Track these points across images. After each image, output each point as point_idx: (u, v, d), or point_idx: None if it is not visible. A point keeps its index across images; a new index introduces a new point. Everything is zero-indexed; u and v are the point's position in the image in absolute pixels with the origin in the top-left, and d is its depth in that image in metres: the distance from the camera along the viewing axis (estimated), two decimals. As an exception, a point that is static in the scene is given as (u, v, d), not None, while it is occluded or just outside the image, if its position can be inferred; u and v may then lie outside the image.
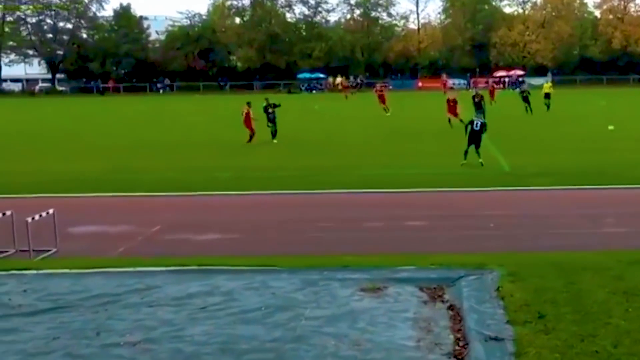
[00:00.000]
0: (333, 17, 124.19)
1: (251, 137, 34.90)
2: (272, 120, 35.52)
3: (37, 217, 14.62)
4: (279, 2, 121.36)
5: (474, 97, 42.22)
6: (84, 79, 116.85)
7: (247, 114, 35.28)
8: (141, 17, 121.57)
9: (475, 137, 26.42)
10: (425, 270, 11.58)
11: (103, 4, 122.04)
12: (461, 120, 35.84)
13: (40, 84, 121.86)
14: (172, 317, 9.66)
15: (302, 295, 10.47)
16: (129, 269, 12.11)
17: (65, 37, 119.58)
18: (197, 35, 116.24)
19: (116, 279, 11.54)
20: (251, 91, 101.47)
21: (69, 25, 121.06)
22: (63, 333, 9.16)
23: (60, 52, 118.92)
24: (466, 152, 26.47)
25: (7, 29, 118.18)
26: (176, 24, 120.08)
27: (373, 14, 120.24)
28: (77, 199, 21.09)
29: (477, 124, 26.63)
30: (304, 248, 14.58)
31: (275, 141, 34.84)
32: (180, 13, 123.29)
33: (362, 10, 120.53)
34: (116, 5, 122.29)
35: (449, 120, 38.81)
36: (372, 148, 32.46)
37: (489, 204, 19.71)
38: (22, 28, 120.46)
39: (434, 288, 10.73)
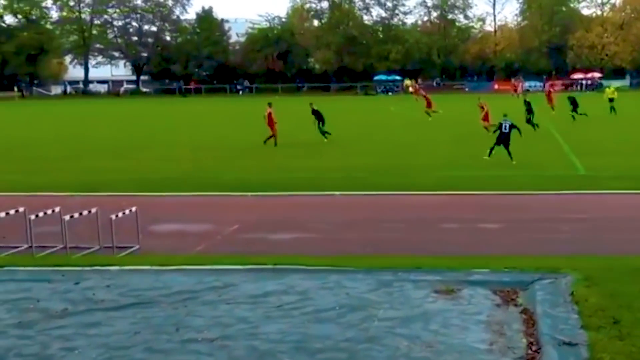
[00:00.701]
0: (410, 20, 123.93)
1: (270, 137, 34.73)
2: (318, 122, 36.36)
3: (120, 214, 14.87)
4: (357, 5, 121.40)
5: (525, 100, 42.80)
6: (167, 81, 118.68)
7: (269, 114, 35.08)
8: (222, 20, 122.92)
9: (504, 139, 27.17)
10: (499, 273, 11.43)
11: (186, 7, 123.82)
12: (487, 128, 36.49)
13: (125, 86, 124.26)
14: (248, 315, 9.72)
15: (376, 295, 10.43)
16: (207, 266, 12.24)
17: (149, 40, 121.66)
18: (277, 38, 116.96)
19: (195, 276, 11.67)
20: (328, 93, 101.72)
21: (154, 28, 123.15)
22: (144, 328, 9.30)
23: (145, 54, 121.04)
24: (492, 149, 27.38)
25: (94, 32, 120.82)
26: (256, 26, 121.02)
27: (450, 16, 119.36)
28: (159, 198, 21.43)
29: (505, 126, 27.34)
30: (378, 248, 14.54)
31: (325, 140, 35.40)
32: (261, 16, 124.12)
33: (439, 12, 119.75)
34: (199, 9, 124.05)
35: (486, 128, 37.89)
36: (444, 149, 32.22)
37: (563, 207, 19.37)
38: (109, 31, 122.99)
39: (508, 291, 10.57)
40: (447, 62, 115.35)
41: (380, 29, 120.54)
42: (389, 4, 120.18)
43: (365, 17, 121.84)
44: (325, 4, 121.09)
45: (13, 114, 58.89)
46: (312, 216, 18.48)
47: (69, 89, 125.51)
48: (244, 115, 49.20)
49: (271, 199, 21.11)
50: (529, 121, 40.05)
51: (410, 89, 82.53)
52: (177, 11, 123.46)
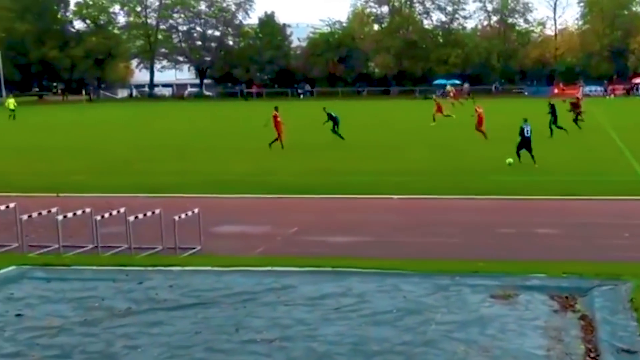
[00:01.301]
0: (470, 24, 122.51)
1: (275, 140, 35.06)
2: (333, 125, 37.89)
3: (183, 216, 15.01)
4: (417, 10, 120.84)
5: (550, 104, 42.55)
6: (229, 84, 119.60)
7: (275, 117, 35.51)
8: (284, 24, 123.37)
9: (526, 143, 27.70)
10: (557, 278, 11.28)
11: (249, 12, 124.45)
12: (483, 133, 37.09)
13: (189, 89, 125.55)
14: (307, 317, 9.75)
15: (433, 299, 10.39)
16: (267, 268, 12.31)
17: (213, 44, 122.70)
18: (337, 42, 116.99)
19: (255, 277, 11.75)
20: (387, 97, 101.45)
21: (217, 33, 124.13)
22: (204, 328, 9.39)
23: (208, 59, 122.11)
24: (519, 155, 27.81)
25: (160, 37, 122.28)
26: (317, 31, 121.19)
27: (510, 20, 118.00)
28: (220, 199, 21.60)
29: (527, 130, 27.86)
30: (435, 252, 14.46)
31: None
32: (322, 21, 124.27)
33: (499, 16, 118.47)
34: (261, 14, 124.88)
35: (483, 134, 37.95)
36: (500, 153, 31.90)
37: (624, 213, 19.04)
38: (173, 36, 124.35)
39: (566, 297, 10.43)
40: (506, 66, 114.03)
41: (440, 33, 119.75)
42: (449, 9, 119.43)
43: (425, 22, 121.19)
44: (385, 9, 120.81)
45: (81, 116, 59.85)
46: (370, 219, 18.45)
47: (134, 92, 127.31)
48: (303, 119, 49.29)
49: (330, 202, 21.13)
50: (553, 124, 39.84)
51: (451, 94, 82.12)
52: (239, 16, 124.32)
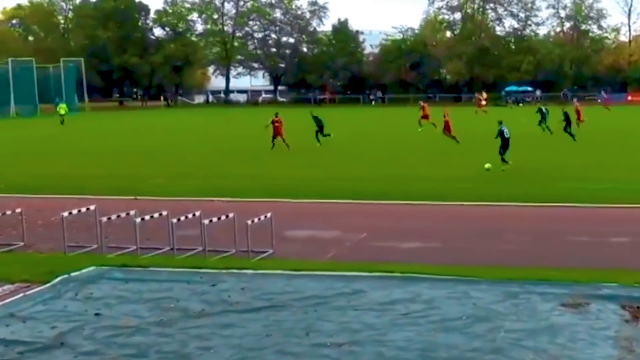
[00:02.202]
0: (542, 31, 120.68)
1: (274, 139, 37.32)
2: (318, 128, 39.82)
3: (256, 220, 15.12)
4: (490, 16, 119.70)
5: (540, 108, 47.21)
6: (303, 90, 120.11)
7: (274, 122, 37.91)
8: (357, 31, 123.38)
9: (506, 145, 28.69)
10: (629, 288, 11.04)
11: (323, 19, 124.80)
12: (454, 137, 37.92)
13: (264, 95, 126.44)
14: (376, 322, 9.73)
15: (503, 307, 10.27)
16: (337, 272, 12.33)
17: (287, 51, 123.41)
18: (409, 49, 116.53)
19: (325, 281, 11.77)
20: (459, 103, 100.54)
21: (291, 40, 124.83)
22: (275, 331, 9.45)
23: (283, 65, 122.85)
24: (503, 158, 28.63)
25: (236, 44, 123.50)
26: (390, 38, 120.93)
27: (583, 26, 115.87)
28: (293, 204, 21.69)
29: (506, 132, 28.86)
30: (504, 259, 14.27)
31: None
32: (394, 28, 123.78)
33: (572, 23, 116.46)
34: (335, 21, 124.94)
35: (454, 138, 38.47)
36: (566, 160, 31.42)
37: (698, 222, 18.52)
38: (249, 43, 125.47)
39: (637, 307, 10.19)
40: (579, 73, 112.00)
41: (512, 40, 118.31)
42: (522, 15, 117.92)
43: (497, 28, 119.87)
44: (458, 16, 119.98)
45: (159, 121, 60.90)
46: (438, 225, 18.32)
47: (210, 98, 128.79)
48: (374, 125, 49.19)
49: (398, 208, 21.05)
50: (566, 130, 40.19)
51: (483, 102, 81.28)
52: (314, 23, 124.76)
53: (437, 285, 11.40)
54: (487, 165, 28.10)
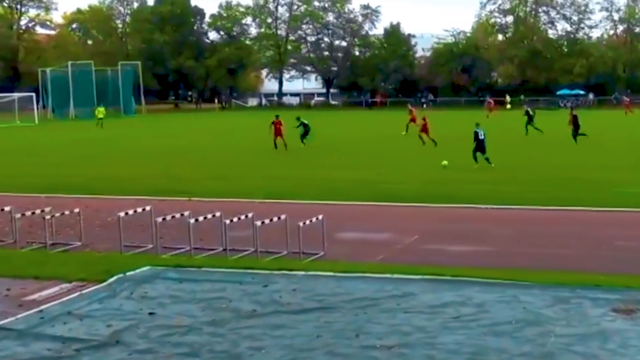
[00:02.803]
0: (595, 33, 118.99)
1: (276, 145, 39.25)
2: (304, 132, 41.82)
3: (307, 222, 15.13)
4: (542, 19, 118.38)
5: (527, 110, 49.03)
6: (354, 93, 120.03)
7: (275, 123, 39.90)
8: (409, 35, 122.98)
9: (481, 146, 30.21)
10: (682, 294, 10.82)
11: (375, 23, 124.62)
12: (433, 140, 38.76)
13: (316, 98, 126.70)
14: (426, 324, 9.68)
15: (553, 312, 10.13)
16: (387, 275, 12.28)
17: (339, 55, 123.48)
18: (461, 52, 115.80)
19: (376, 284, 11.74)
20: (510, 107, 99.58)
21: (344, 44, 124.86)
22: (325, 332, 9.44)
23: (335, 68, 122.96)
24: (475, 158, 30.20)
25: (289, 47, 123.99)
26: (441, 41, 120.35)
27: (637, 29, 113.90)
28: (344, 206, 21.66)
29: (481, 133, 30.31)
30: (554, 264, 14.07)
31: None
32: (446, 31, 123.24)
33: (625, 25, 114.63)
34: (387, 24, 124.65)
35: (421, 137, 39.72)
36: (622, 164, 30.88)
37: None
38: (302, 46, 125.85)
39: (691, 314, 9.99)
40: (632, 76, 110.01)
41: (565, 43, 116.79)
42: (575, 18, 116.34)
43: (550, 31, 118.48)
44: (510, 19, 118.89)
45: (213, 123, 61.52)
46: (488, 229, 18.14)
47: (264, 101, 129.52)
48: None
49: (449, 211, 20.91)
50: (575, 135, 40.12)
51: (508, 105, 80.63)
52: (366, 27, 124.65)
53: (487, 288, 11.29)
54: (444, 162, 29.91)
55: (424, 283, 11.70)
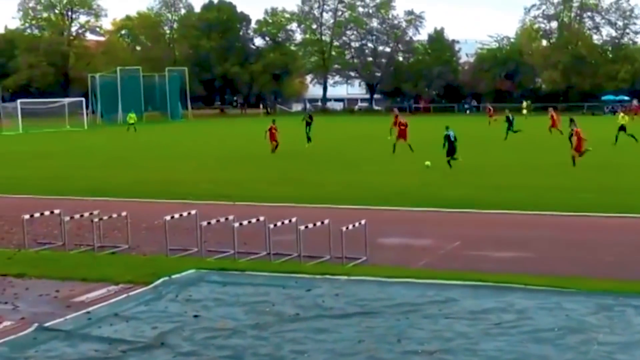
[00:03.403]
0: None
1: (275, 147, 41.16)
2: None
3: (350, 226, 15.13)
4: (587, 25, 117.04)
5: (507, 116, 51.15)
6: (398, 99, 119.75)
7: (271, 129, 41.65)
8: (453, 40, 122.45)
9: (453, 148, 31.69)
10: None
11: (419, 28, 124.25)
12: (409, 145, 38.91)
13: (359, 104, 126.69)
14: (467, 330, 9.62)
15: (596, 319, 10.01)
16: (429, 280, 12.23)
17: (383, 60, 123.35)
18: (505, 58, 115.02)
19: (417, 289, 11.70)
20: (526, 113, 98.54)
21: (387, 49, 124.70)
22: (368, 337, 9.44)
23: (378, 74, 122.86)
24: (449, 163, 31.49)
25: (333, 53, 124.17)
26: (485, 47, 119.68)
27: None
28: (387, 211, 21.63)
29: (452, 135, 31.64)
30: (598, 271, 13.88)
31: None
32: (490, 37, 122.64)
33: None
34: (431, 30, 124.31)
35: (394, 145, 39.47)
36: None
37: None
38: (346, 52, 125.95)
39: None
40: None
41: (610, 48, 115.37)
42: (620, 24, 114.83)
43: (594, 37, 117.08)
44: (554, 24, 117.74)
45: (258, 128, 61.22)
46: (532, 235, 17.96)
47: (308, 106, 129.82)
48: (467, 132, 48.48)
49: (492, 217, 20.75)
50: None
51: (524, 111, 79.83)
52: (410, 32, 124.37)
53: (529, 295, 11.19)
54: (427, 163, 31.01)
55: (465, 289, 11.63)
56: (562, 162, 33.23)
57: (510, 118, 50.96)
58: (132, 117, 72.14)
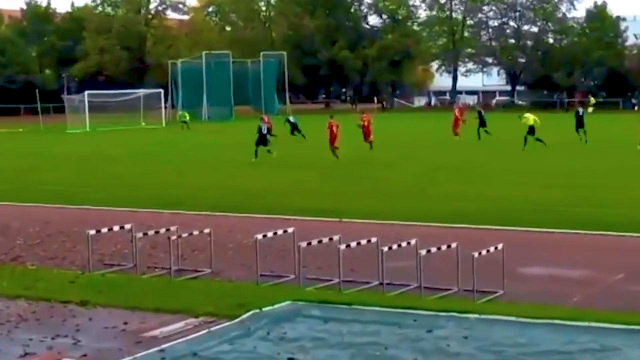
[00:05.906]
0: None
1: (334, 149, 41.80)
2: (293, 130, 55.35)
3: (484, 252, 14.97)
4: None
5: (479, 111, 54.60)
6: (546, 92, 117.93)
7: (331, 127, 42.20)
8: (618, 17, 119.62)
9: (262, 139, 40.37)
10: None
11: (575, 3, 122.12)
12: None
13: (498, 97, 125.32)
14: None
15: None
16: (583, 323, 11.98)
17: (528, 43, 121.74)
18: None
19: (567, 333, 11.48)
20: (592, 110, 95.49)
21: (534, 29, 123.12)
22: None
23: (522, 60, 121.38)
24: (256, 152, 39.13)
25: (466, 34, 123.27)
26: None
27: None
28: (529, 234, 21.28)
29: (264, 128, 40.60)
30: None
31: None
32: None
33: None
34: (590, 4, 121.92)
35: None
36: None
37: None
38: (482, 32, 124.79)
39: None
40: None
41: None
42: None
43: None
44: None
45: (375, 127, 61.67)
46: None
47: (433, 100, 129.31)
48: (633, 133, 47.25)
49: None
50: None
51: (590, 109, 77.61)
52: (563, 8, 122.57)
53: None
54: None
55: (631, 335, 11.36)
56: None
57: (483, 115, 51.86)
58: (185, 114, 74.17)
